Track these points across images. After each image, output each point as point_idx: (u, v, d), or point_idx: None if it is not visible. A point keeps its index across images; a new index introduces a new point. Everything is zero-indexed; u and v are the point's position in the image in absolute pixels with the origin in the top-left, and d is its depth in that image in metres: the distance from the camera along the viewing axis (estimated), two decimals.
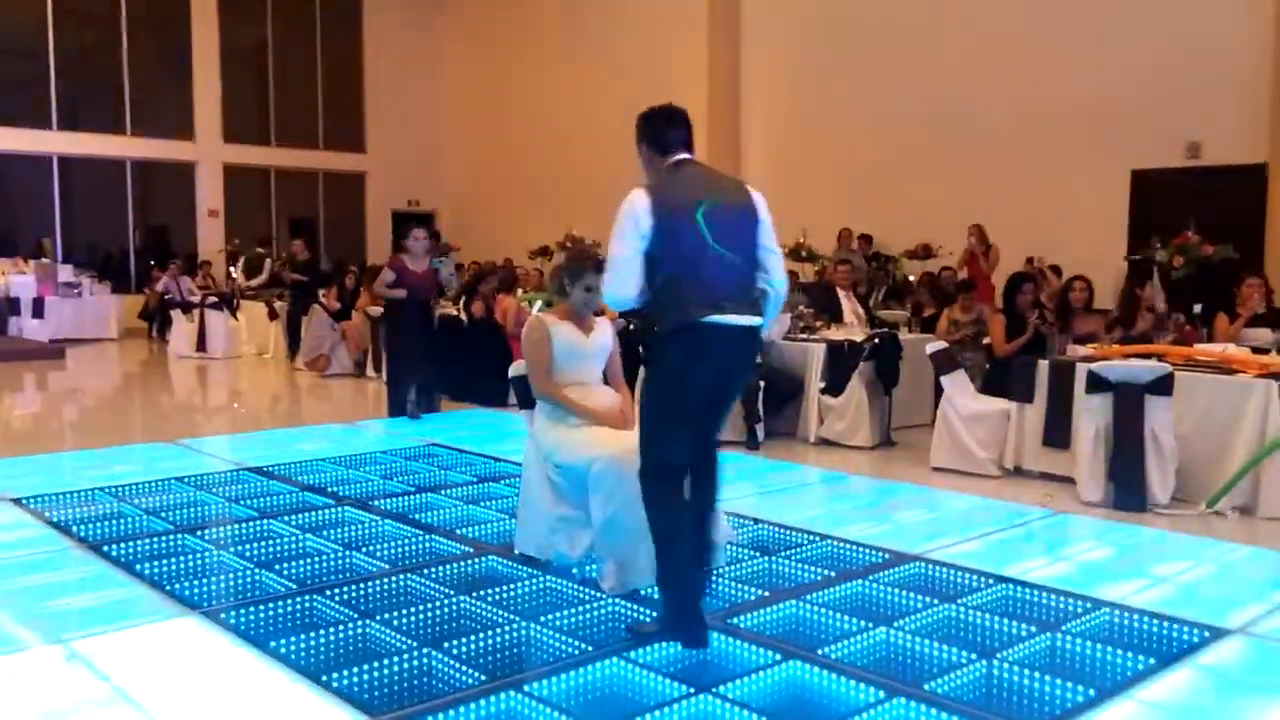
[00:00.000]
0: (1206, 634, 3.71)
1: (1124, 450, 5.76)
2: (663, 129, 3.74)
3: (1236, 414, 5.68)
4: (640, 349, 8.42)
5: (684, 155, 3.70)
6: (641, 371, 8.36)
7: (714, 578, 4.04)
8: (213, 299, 14.53)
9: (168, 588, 4.16)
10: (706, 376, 3.55)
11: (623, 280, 3.52)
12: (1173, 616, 3.85)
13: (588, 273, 4.42)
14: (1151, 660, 3.46)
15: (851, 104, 14.34)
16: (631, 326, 8.93)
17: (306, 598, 4.04)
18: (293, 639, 3.58)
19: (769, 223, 3.72)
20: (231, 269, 17.10)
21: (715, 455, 3.84)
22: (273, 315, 13.83)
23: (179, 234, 19.42)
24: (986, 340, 7.68)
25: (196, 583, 4.24)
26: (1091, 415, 5.90)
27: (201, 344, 13.87)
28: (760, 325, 3.66)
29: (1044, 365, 6.41)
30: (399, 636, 3.62)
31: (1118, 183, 12.04)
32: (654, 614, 3.77)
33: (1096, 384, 5.90)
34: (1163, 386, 5.73)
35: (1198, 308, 8.83)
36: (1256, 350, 6.50)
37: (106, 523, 5.18)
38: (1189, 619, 3.83)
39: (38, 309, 15.61)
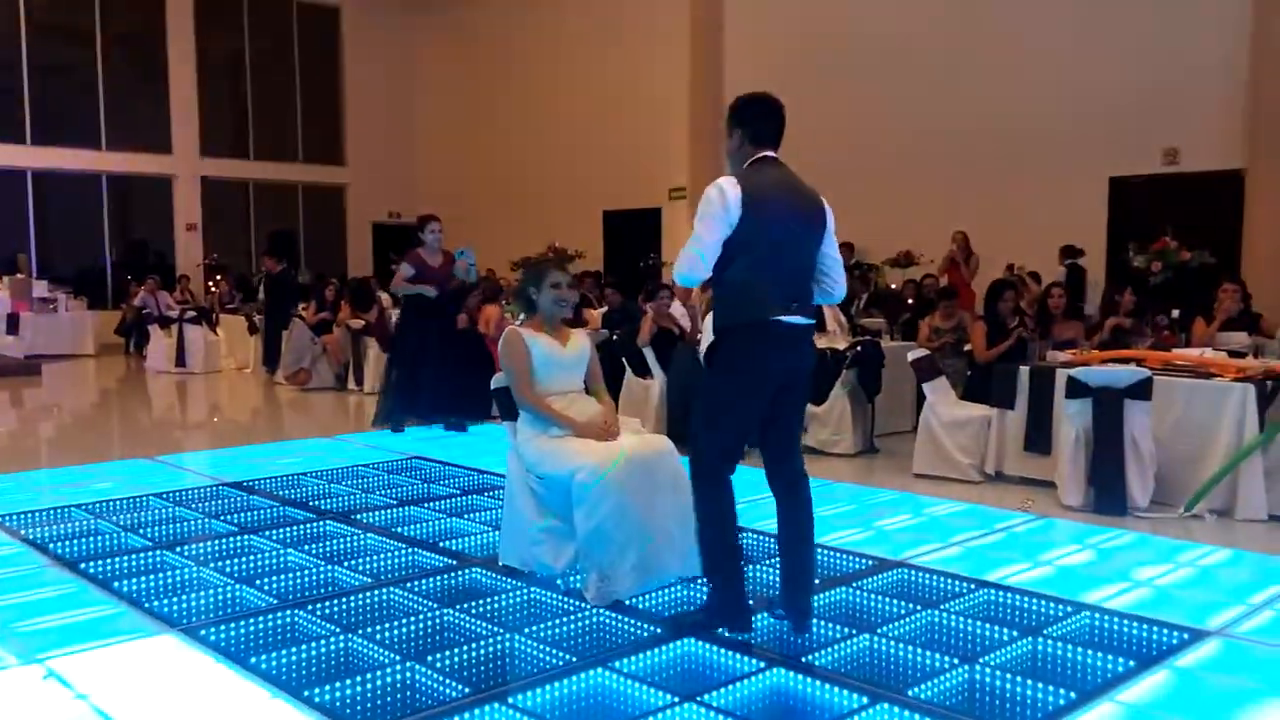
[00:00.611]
0: (1185, 636, 3.73)
1: (1104, 454, 5.79)
2: (762, 121, 3.73)
3: (1214, 417, 5.73)
4: (624, 360, 8.44)
5: (771, 152, 3.71)
6: (642, 374, 8.39)
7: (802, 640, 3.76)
8: (191, 313, 14.45)
9: (146, 605, 4.12)
10: (773, 374, 3.61)
11: (704, 262, 3.56)
12: (1152, 619, 3.87)
13: (550, 272, 4.46)
14: (1131, 663, 3.48)
15: (833, 113, 14.41)
16: (615, 337, 8.93)
17: (287, 613, 4.01)
18: (273, 655, 3.55)
19: (833, 230, 3.79)
20: (211, 284, 17.03)
21: (801, 475, 3.80)
22: (252, 329, 13.77)
23: (157, 248, 19.31)
24: (967, 347, 7.72)
25: (175, 599, 4.20)
26: (1071, 420, 5.94)
27: (180, 359, 13.78)
28: (814, 325, 3.79)
29: (1024, 371, 6.45)
30: (382, 650, 3.59)
31: (1096, 190, 12.15)
32: (655, 627, 3.76)
33: (1076, 389, 5.94)
34: (1141, 391, 5.78)
35: (1175, 312, 8.91)
36: (1233, 354, 6.56)
37: (84, 540, 5.13)
38: (1168, 621, 3.85)
39: (12, 325, 15.47)
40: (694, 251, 3.56)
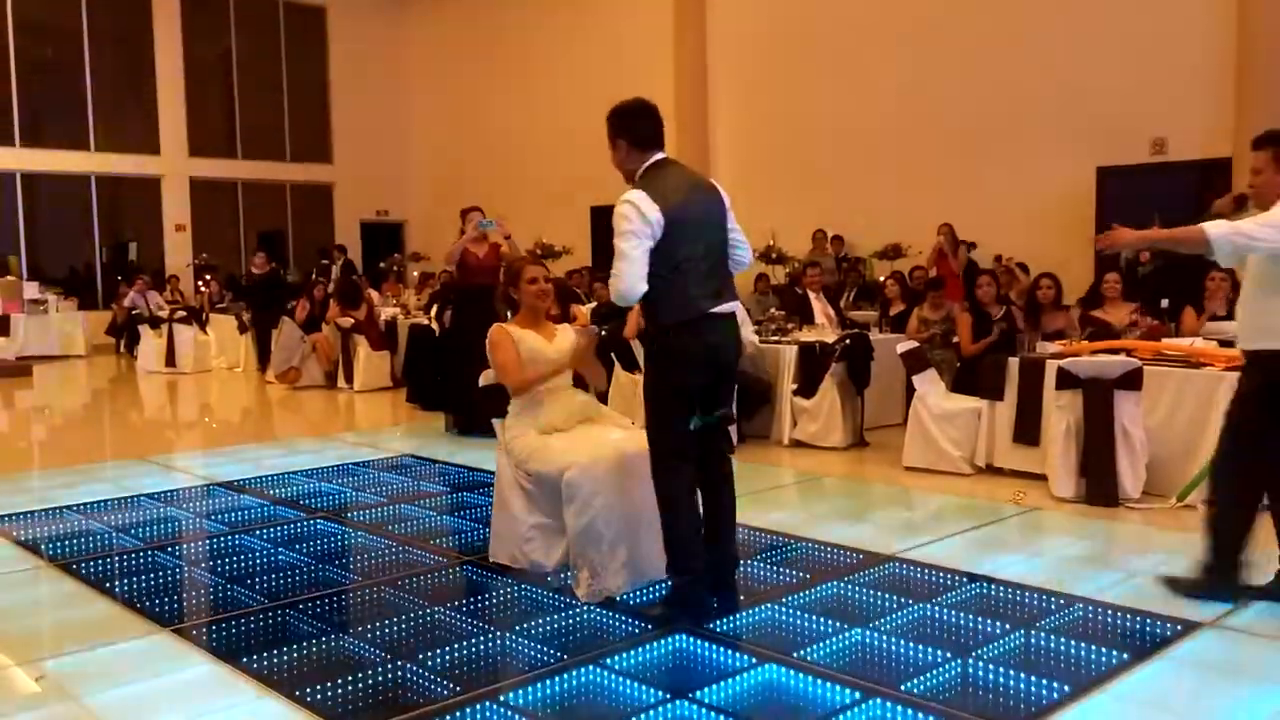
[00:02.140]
0: (1179, 627, 3.73)
1: (1094, 445, 5.80)
2: (641, 124, 3.84)
3: (1205, 407, 5.73)
4: (613, 355, 8.43)
5: (662, 154, 3.83)
6: (630, 368, 8.38)
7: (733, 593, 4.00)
8: (181, 313, 14.40)
9: (139, 605, 4.11)
10: (710, 362, 3.77)
11: (636, 278, 3.65)
12: (1145, 611, 3.88)
13: (525, 268, 4.52)
14: (1125, 655, 3.49)
15: (819, 105, 14.41)
16: (603, 332, 8.92)
17: (279, 612, 4.00)
18: (265, 653, 3.54)
19: (730, 207, 3.94)
20: (200, 283, 16.98)
21: (726, 462, 3.97)
22: (243, 329, 13.73)
23: (146, 249, 19.24)
24: (956, 339, 7.73)
25: (168, 599, 4.19)
26: (1062, 411, 5.95)
27: (171, 359, 13.73)
28: (739, 313, 3.95)
29: (1014, 363, 6.45)
30: (373, 649, 3.59)
31: (1084, 179, 12.17)
32: (646, 623, 3.76)
33: (1066, 380, 5.95)
34: (1132, 381, 5.78)
35: (1165, 302, 8.92)
36: (1223, 344, 6.57)
37: (76, 541, 5.11)
38: (1161, 613, 3.86)
39: (3, 326, 15.41)
40: (626, 271, 3.64)
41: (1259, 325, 3.95)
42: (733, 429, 7.44)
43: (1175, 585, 4.11)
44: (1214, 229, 3.85)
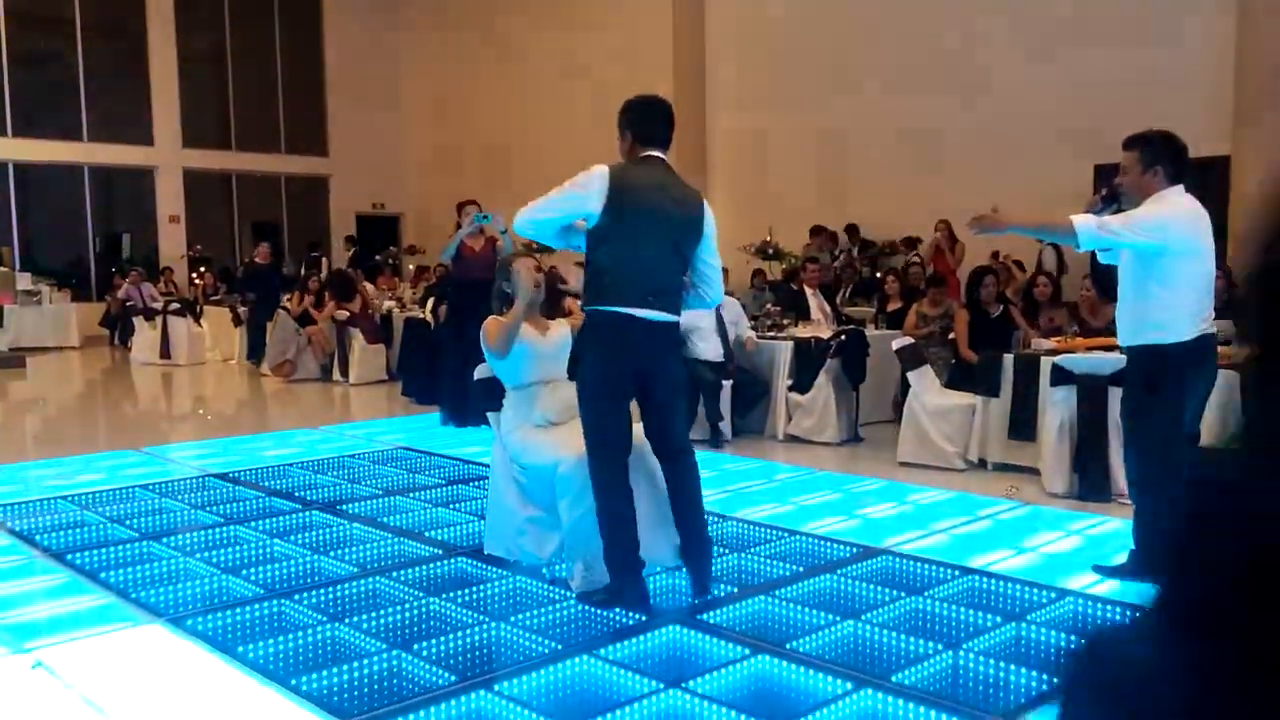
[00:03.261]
0: None
1: (1088, 441, 5.83)
2: (647, 121, 3.87)
3: None
4: None
5: (656, 152, 3.84)
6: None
7: (711, 579, 4.04)
8: (175, 305, 14.37)
9: (133, 595, 4.12)
10: (630, 364, 3.76)
11: (539, 220, 3.78)
12: (1137, 605, 3.90)
13: (517, 259, 4.51)
14: None
15: (818, 101, 14.41)
16: None
17: (274, 602, 4.01)
18: (261, 644, 3.55)
19: (713, 237, 3.92)
20: (195, 275, 16.95)
21: (681, 450, 3.97)
22: (237, 321, 13.71)
23: (140, 240, 19.19)
24: (953, 335, 7.75)
25: (162, 590, 4.20)
26: (1056, 407, 5.98)
27: (165, 351, 13.70)
28: (677, 322, 3.89)
29: (1009, 359, 6.48)
30: (369, 639, 3.60)
31: (1081, 177, 12.19)
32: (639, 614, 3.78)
33: (1061, 376, 5.97)
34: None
35: None
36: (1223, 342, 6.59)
37: (71, 531, 5.11)
38: None
39: None
40: (535, 208, 3.77)
41: (1133, 322, 4.16)
42: (725, 424, 7.49)
43: (1120, 573, 4.21)
44: (1080, 220, 4.08)
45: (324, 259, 16.92)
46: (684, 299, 3.90)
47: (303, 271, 15.29)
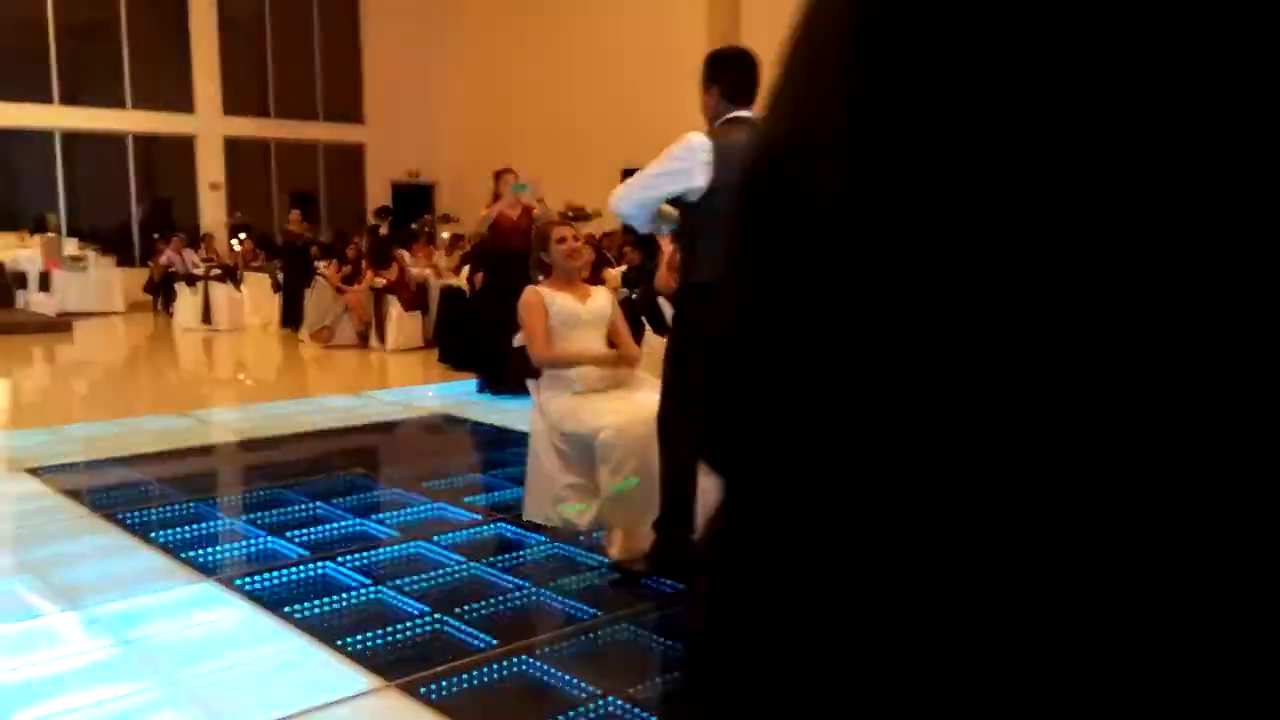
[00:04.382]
0: None
1: None
2: (736, 75, 3.66)
3: None
4: (643, 318, 8.47)
5: (745, 112, 3.62)
6: (661, 331, 8.42)
7: None
8: (216, 271, 14.56)
9: (182, 555, 4.23)
10: None
11: (635, 202, 3.58)
12: None
13: (553, 229, 4.53)
14: None
15: None
16: (634, 296, 8.96)
17: (319, 564, 4.10)
18: (307, 604, 3.64)
19: None
20: (235, 242, 17.13)
21: None
22: (276, 287, 13.88)
23: (182, 207, 19.41)
24: None
25: (211, 550, 4.30)
26: None
27: (206, 316, 13.92)
28: None
29: None
30: (410, 601, 3.68)
31: None
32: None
33: None
34: None
35: None
36: None
37: (120, 491, 5.24)
38: None
39: (44, 282, 15.65)
40: (632, 189, 3.57)
41: None
42: None
43: None
44: None
45: (385, 223, 16.81)
46: None
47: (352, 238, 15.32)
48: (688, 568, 3.83)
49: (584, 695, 2.95)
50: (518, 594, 3.75)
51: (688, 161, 3.48)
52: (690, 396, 3.81)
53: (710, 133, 3.60)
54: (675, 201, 3.66)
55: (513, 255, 7.64)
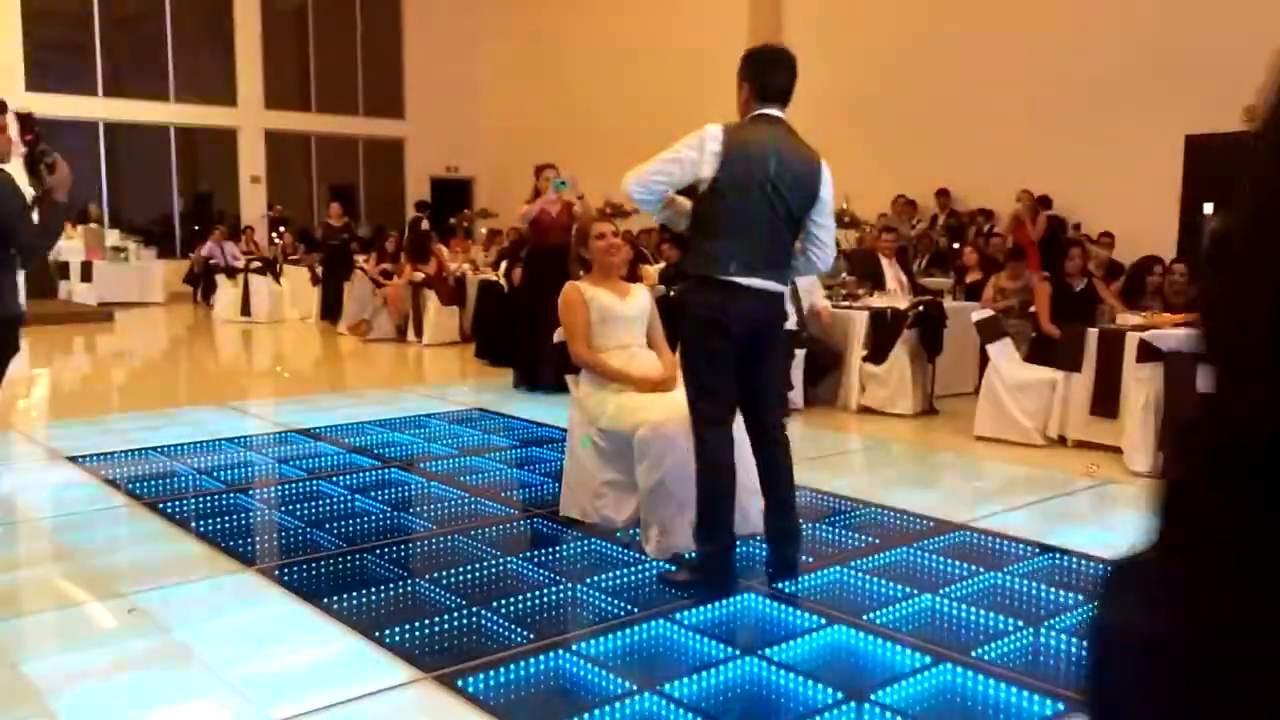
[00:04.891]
0: None
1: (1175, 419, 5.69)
2: (767, 75, 3.68)
3: None
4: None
5: (774, 110, 3.66)
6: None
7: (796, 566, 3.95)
8: (256, 264, 14.69)
9: (223, 544, 4.24)
10: (735, 333, 3.62)
11: (647, 184, 3.59)
12: None
13: (592, 226, 4.51)
14: None
15: (894, 63, 14.13)
16: (673, 294, 8.91)
17: (356, 556, 4.11)
18: (345, 595, 3.64)
19: (829, 200, 3.73)
20: (275, 235, 17.27)
21: (774, 428, 3.83)
22: (315, 280, 13.98)
23: (222, 199, 19.61)
24: (1033, 308, 7.59)
25: (250, 540, 4.32)
26: (1142, 384, 5.83)
27: (246, 308, 14.05)
28: (783, 292, 3.75)
29: (1092, 334, 6.33)
30: (447, 594, 3.67)
31: (1171, 148, 11.80)
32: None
33: (1148, 353, 5.82)
34: None
35: None
36: None
37: (161, 481, 5.28)
38: None
39: (86, 273, 15.87)
40: (644, 172, 3.58)
41: None
42: (796, 394, 7.44)
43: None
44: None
45: (423, 220, 16.90)
46: (793, 264, 3.76)
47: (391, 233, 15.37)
48: (731, 579, 3.76)
49: (619, 691, 2.92)
50: (554, 589, 3.73)
51: (697, 150, 3.53)
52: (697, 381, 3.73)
53: (729, 126, 3.62)
54: (689, 193, 3.65)
55: (553, 251, 7.63)
